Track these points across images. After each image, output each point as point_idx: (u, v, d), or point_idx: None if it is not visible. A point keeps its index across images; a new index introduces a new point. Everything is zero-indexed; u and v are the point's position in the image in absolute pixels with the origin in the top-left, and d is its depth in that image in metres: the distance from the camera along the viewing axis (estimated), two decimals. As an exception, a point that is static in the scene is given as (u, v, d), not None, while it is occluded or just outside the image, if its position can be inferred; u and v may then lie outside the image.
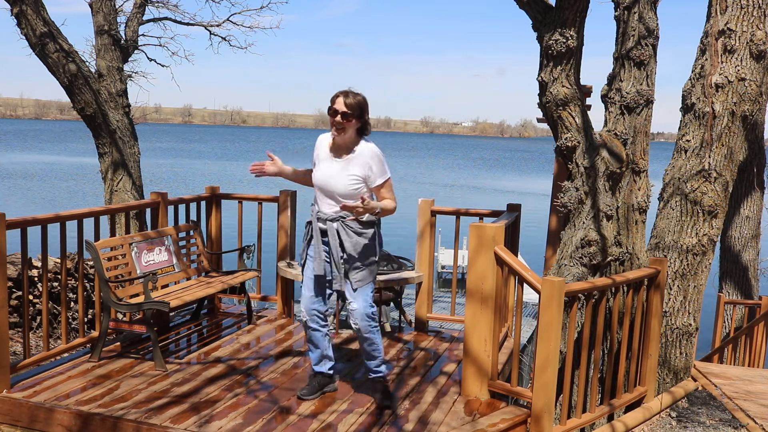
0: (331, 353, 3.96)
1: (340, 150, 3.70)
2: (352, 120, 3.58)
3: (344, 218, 3.66)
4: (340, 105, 3.56)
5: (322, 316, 3.85)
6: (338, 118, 3.56)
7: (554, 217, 6.41)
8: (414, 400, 3.97)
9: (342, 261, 3.71)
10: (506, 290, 4.28)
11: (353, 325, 3.76)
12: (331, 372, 4.00)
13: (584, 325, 3.84)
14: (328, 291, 3.86)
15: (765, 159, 8.72)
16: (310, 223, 3.82)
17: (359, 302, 3.72)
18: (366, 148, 3.66)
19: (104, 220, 4.82)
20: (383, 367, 3.94)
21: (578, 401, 3.95)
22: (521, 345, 7.87)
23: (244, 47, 11.63)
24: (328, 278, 3.83)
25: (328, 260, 3.79)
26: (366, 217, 3.66)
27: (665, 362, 4.83)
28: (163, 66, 11.13)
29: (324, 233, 3.76)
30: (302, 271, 3.89)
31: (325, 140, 3.79)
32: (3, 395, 3.78)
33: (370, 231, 3.73)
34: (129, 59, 9.06)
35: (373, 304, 3.80)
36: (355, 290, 3.72)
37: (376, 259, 3.78)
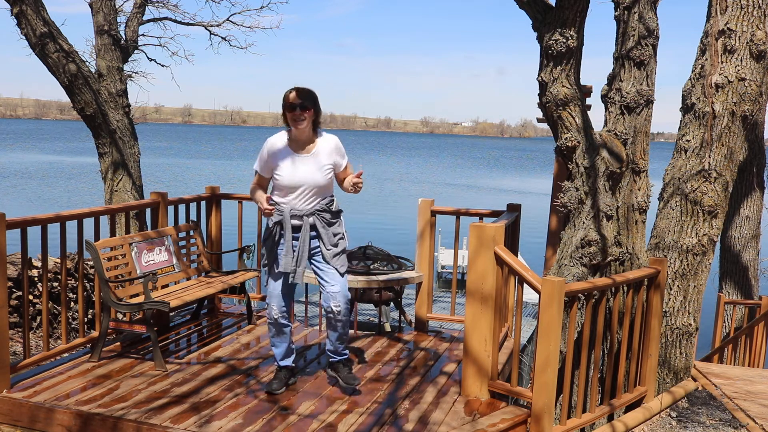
0: (293, 347, 4.14)
1: (302, 145, 3.88)
2: (310, 110, 3.78)
3: (320, 211, 3.90)
4: (295, 99, 3.76)
5: (288, 312, 4.01)
6: (297, 111, 3.75)
7: (554, 217, 6.41)
8: (414, 400, 3.97)
9: (319, 251, 3.92)
10: (506, 290, 4.28)
11: (334, 308, 3.90)
12: (293, 365, 4.15)
13: (584, 325, 3.84)
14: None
15: (765, 159, 8.72)
16: (278, 223, 3.91)
17: (341, 285, 3.92)
18: (329, 140, 3.93)
19: (104, 220, 4.82)
20: (347, 349, 4.14)
21: (578, 401, 3.96)
22: (521, 345, 7.87)
23: (244, 47, 11.63)
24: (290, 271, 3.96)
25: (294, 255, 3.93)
26: (335, 206, 3.97)
27: (665, 362, 4.83)
28: (163, 66, 11.12)
29: (296, 229, 3.90)
30: (269, 271, 4.00)
31: (278, 142, 3.90)
32: (3, 395, 3.78)
33: (339, 220, 4.01)
34: (129, 59, 9.05)
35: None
36: (342, 275, 3.93)
37: (346, 242, 4.05)
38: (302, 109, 3.75)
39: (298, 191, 3.86)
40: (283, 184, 3.87)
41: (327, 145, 3.90)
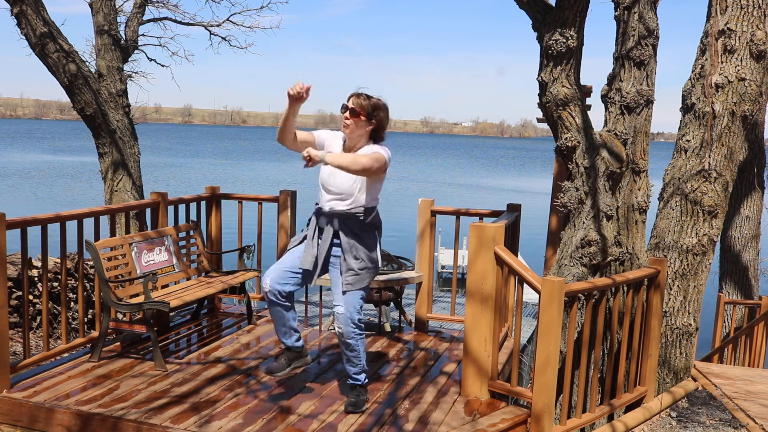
0: (295, 325, 3.76)
1: (348, 149, 3.65)
2: (360, 118, 3.54)
3: (347, 218, 3.61)
4: (348, 101, 3.59)
5: (284, 295, 3.64)
6: (344, 112, 3.58)
7: (554, 217, 6.41)
8: (414, 400, 3.97)
9: (338, 263, 3.65)
10: (506, 290, 4.28)
11: (337, 329, 3.66)
12: (299, 345, 3.81)
13: (584, 325, 3.84)
14: (299, 282, 3.70)
15: (765, 159, 8.72)
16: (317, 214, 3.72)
17: (346, 306, 3.61)
18: (368, 148, 3.59)
19: (104, 220, 4.82)
20: (362, 376, 3.82)
21: (578, 401, 3.96)
22: (521, 345, 7.86)
23: (244, 47, 11.62)
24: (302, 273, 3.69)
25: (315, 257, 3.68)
26: (370, 219, 3.64)
27: (665, 362, 4.83)
28: (163, 66, 11.12)
29: (321, 231, 3.69)
30: (288, 247, 3.76)
31: (336, 138, 3.69)
32: (3, 395, 3.78)
33: (369, 234, 3.66)
34: (129, 59, 9.05)
35: (360, 311, 3.68)
36: (344, 293, 3.62)
37: (372, 266, 3.66)
38: (351, 114, 3.54)
39: (327, 191, 3.64)
40: (320, 179, 3.67)
41: (364, 152, 3.57)
